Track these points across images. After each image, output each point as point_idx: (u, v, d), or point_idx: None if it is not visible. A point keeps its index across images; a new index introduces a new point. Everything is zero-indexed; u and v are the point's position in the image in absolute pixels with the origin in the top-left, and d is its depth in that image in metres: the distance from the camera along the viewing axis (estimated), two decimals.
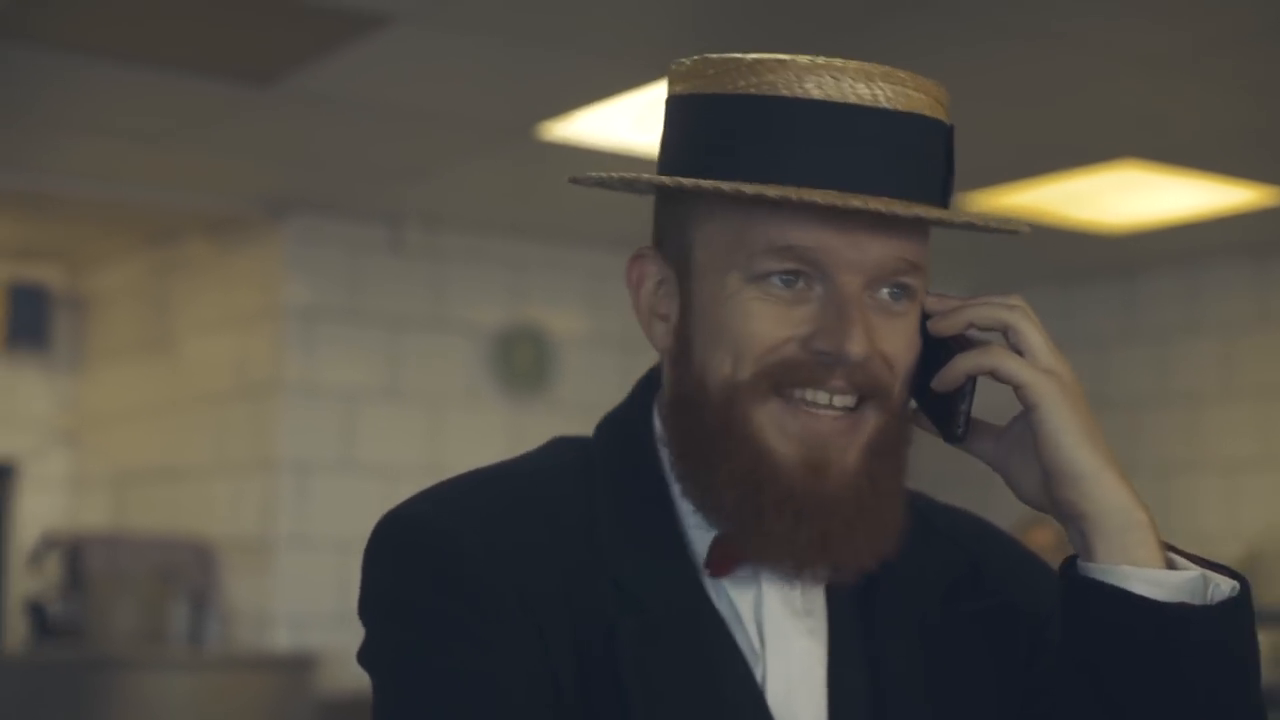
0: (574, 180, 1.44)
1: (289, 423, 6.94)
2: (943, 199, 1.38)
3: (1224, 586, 1.32)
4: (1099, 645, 1.32)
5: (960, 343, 1.38)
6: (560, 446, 1.48)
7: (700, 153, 1.36)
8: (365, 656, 1.39)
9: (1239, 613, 1.32)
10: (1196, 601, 1.30)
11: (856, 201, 1.28)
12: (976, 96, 5.17)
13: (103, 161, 6.41)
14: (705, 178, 1.34)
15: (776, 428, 1.33)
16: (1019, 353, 1.36)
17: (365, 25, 4.60)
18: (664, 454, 1.42)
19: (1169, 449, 7.67)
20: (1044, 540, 6.47)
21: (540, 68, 4.97)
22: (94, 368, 8.60)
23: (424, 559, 1.35)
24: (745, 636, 1.38)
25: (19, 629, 7.96)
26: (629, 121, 5.34)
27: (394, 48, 4.78)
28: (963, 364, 1.37)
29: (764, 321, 1.33)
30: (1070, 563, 1.35)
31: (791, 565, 1.34)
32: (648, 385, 1.47)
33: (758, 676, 1.37)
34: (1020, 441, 1.39)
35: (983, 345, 1.38)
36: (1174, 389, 7.71)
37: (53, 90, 5.44)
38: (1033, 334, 1.37)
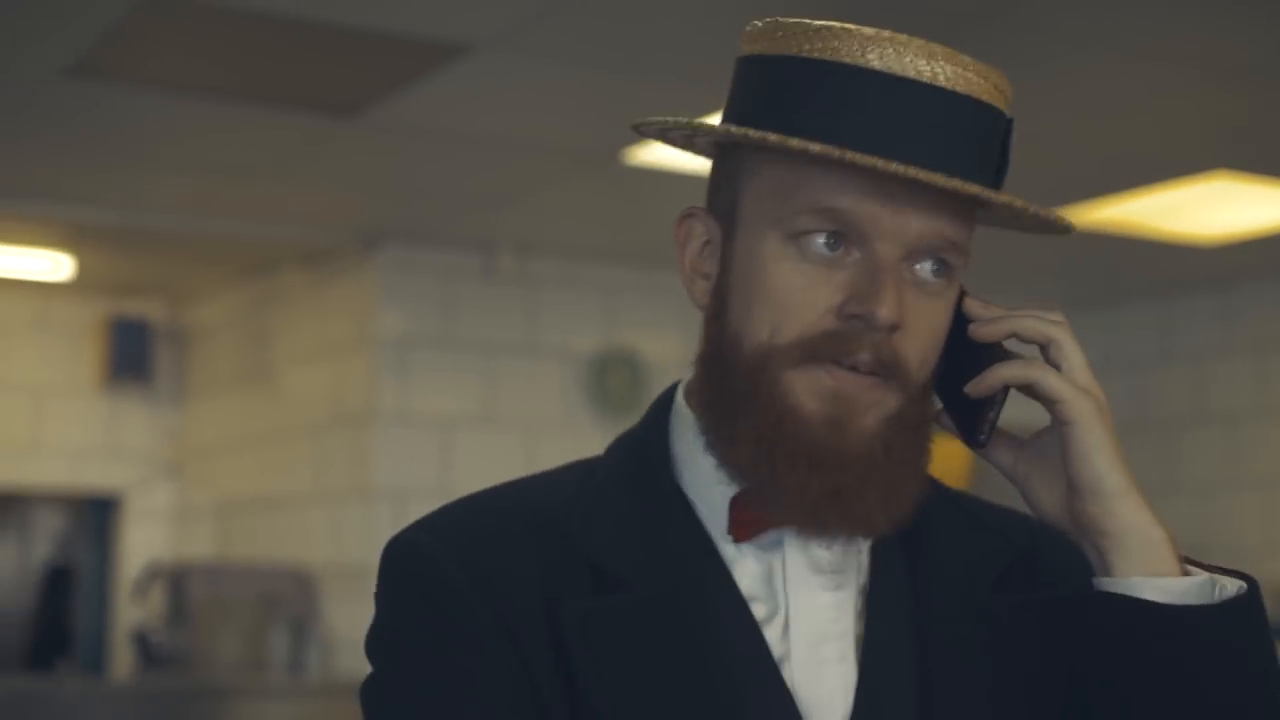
0: (636, 127, 1.47)
1: (385, 451, 6.99)
2: (994, 185, 1.37)
3: (1230, 587, 1.33)
4: (1114, 656, 1.33)
5: (997, 351, 1.39)
6: (577, 461, 1.51)
7: (759, 109, 1.37)
8: (363, 689, 1.41)
9: (1247, 611, 1.33)
10: (1206, 603, 1.32)
11: (896, 166, 1.28)
12: (1065, 110, 5.14)
13: (198, 196, 6.51)
14: (762, 129, 1.35)
15: (805, 388, 1.34)
16: (1057, 368, 1.37)
17: (446, 55, 4.65)
18: (677, 443, 1.44)
19: (1270, 462, 7.57)
20: None
21: (621, 93, 4.99)
22: (195, 400, 8.71)
23: (412, 590, 1.38)
24: (770, 596, 1.39)
25: (125, 658, 8.07)
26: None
27: (476, 76, 4.82)
28: (1002, 372, 1.37)
29: (801, 289, 1.34)
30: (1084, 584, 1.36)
31: (803, 515, 1.34)
32: (663, 400, 1.49)
33: (776, 636, 1.38)
34: (1043, 455, 1.40)
35: (1022, 357, 1.38)
36: (1274, 402, 7.60)
37: (146, 128, 5.53)
38: (1074, 352, 1.37)
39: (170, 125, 5.47)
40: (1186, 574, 1.34)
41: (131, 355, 8.55)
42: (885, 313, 1.31)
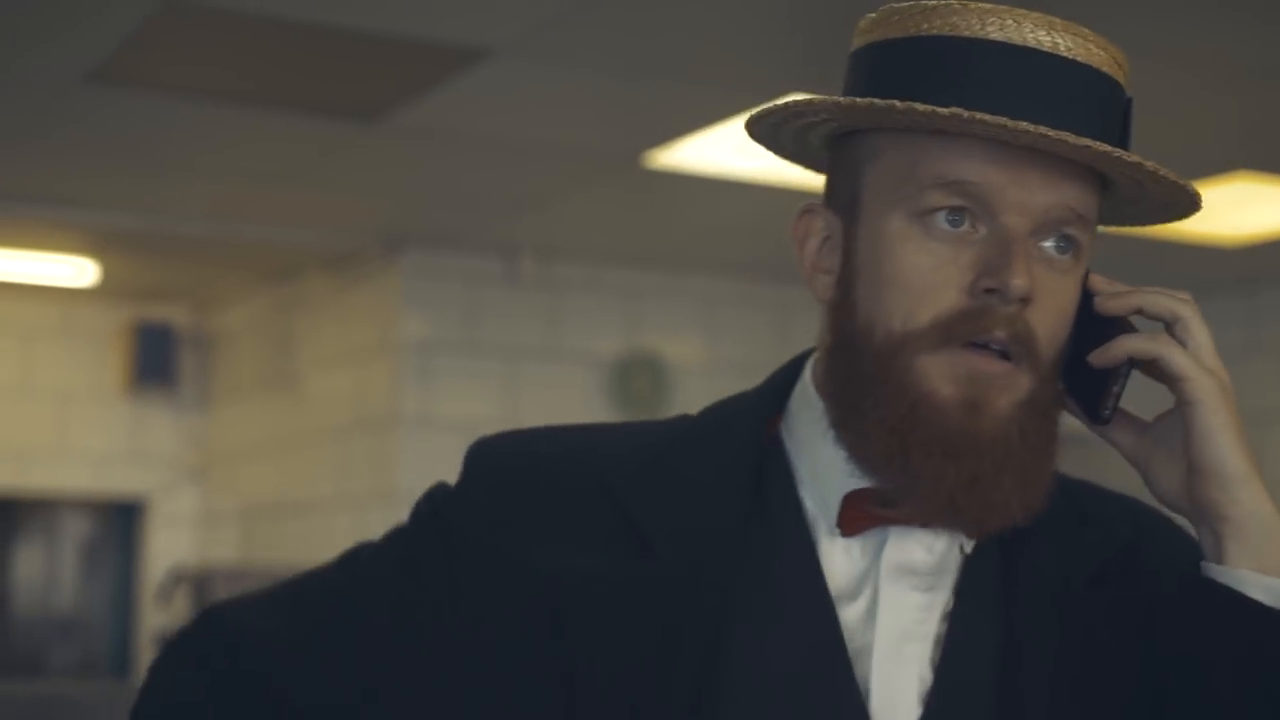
0: (748, 127, 1.44)
1: (408, 455, 6.99)
2: None
3: None
4: (1205, 647, 1.31)
5: (1122, 326, 1.36)
6: (679, 416, 1.51)
7: (879, 91, 1.35)
8: None
9: None
10: None
11: (1024, 125, 1.27)
12: None
13: (221, 202, 6.52)
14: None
15: (940, 373, 1.31)
16: (1183, 346, 1.34)
17: (466, 60, 4.65)
18: (798, 425, 1.42)
19: None
20: None
21: (642, 96, 4.99)
22: (220, 404, 8.73)
23: (458, 488, 1.46)
24: (860, 590, 1.37)
25: (149, 662, 8.09)
26: (733, 148, 5.33)
27: (496, 81, 4.82)
28: (1128, 344, 1.34)
29: (931, 269, 1.32)
30: (1194, 566, 1.34)
31: (939, 507, 1.32)
32: (786, 375, 1.47)
33: (858, 629, 1.36)
34: (1166, 437, 1.37)
35: (1149, 332, 1.35)
36: None
37: (169, 133, 5.55)
38: (1200, 330, 1.34)
39: (192, 131, 5.48)
40: None
41: (156, 360, 8.58)
42: (1019, 283, 1.29)
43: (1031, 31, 1.32)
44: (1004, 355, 1.31)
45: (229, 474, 8.60)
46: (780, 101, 1.39)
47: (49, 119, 5.37)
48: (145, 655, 8.41)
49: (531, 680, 1.35)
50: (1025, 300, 1.30)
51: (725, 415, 1.46)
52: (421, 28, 4.43)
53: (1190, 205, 1.38)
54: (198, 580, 7.56)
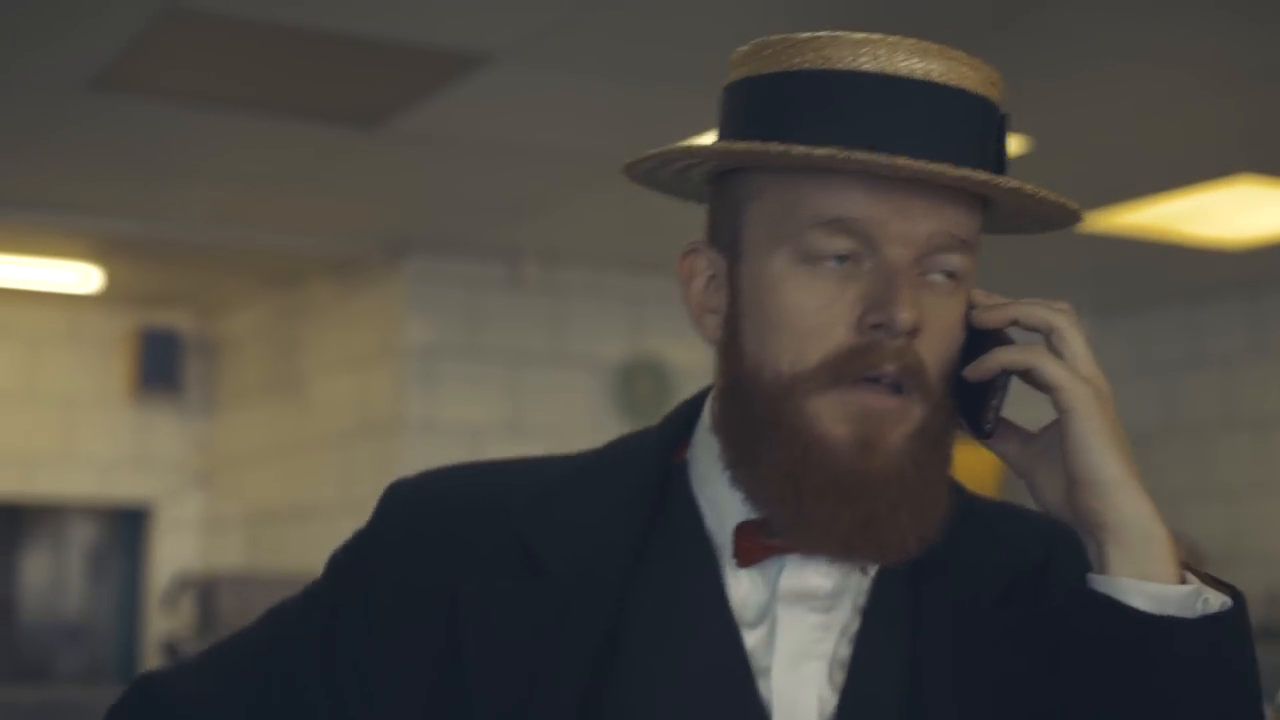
0: (626, 171, 1.45)
1: (412, 460, 6.99)
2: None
3: (1214, 601, 1.29)
4: (1092, 660, 1.30)
5: (1000, 339, 1.36)
6: (585, 451, 1.53)
7: (754, 129, 1.35)
8: None
9: (1228, 628, 1.29)
10: (1186, 615, 1.28)
11: (902, 160, 1.27)
12: (1086, 116, 5.13)
13: (225, 207, 6.54)
14: (760, 140, 1.34)
15: (832, 414, 1.32)
16: (1059, 356, 1.34)
17: (466, 65, 4.66)
18: (700, 456, 1.43)
19: None
20: None
21: (642, 101, 5.00)
22: (225, 410, 8.74)
23: (369, 525, 1.52)
24: (760, 614, 1.39)
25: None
26: None
27: (496, 86, 4.84)
28: (1002, 356, 1.34)
29: (817, 309, 1.32)
30: (1079, 578, 1.33)
31: (834, 549, 1.34)
32: (690, 408, 1.49)
33: (760, 650, 1.38)
34: (1049, 448, 1.36)
35: (1024, 344, 1.36)
36: None
37: (172, 140, 5.56)
38: (1076, 340, 1.34)
39: (195, 137, 5.50)
40: (1183, 579, 1.30)
41: (161, 366, 8.59)
42: (906, 316, 1.29)
43: (904, 60, 1.32)
44: (896, 388, 1.31)
45: (234, 479, 8.61)
46: (657, 151, 1.39)
47: (52, 125, 5.39)
48: (151, 661, 8.42)
49: (437, 701, 1.39)
50: (914, 332, 1.30)
51: (627, 448, 1.48)
52: (422, 33, 4.44)
53: (1070, 218, 1.39)
54: (203, 586, 7.57)
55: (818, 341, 1.32)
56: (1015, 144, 5.33)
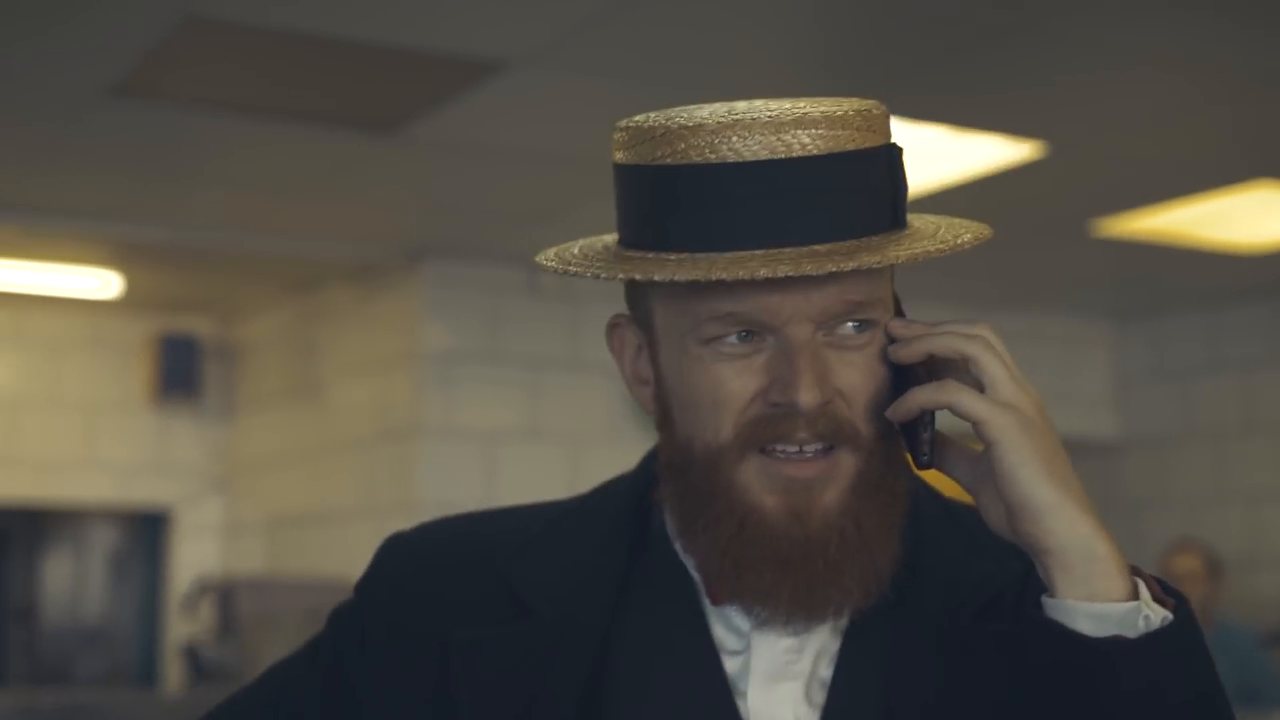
0: (537, 261, 1.48)
1: (430, 465, 7.02)
2: (894, 221, 1.36)
3: (1155, 618, 1.28)
4: (1043, 686, 1.30)
5: (927, 369, 1.36)
6: (573, 497, 1.58)
7: (638, 224, 1.38)
8: None
9: (1168, 643, 1.28)
10: (1128, 634, 1.27)
11: (765, 271, 1.26)
12: (1104, 120, 5.12)
13: (244, 213, 6.56)
14: (644, 249, 1.36)
15: (760, 483, 1.34)
16: (979, 384, 1.34)
17: (483, 71, 4.67)
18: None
19: None
20: (1191, 565, 6.38)
21: (658, 107, 4.98)
22: (243, 415, 8.77)
23: (365, 576, 1.56)
24: (737, 638, 1.42)
25: (176, 672, 8.13)
26: None
27: (515, 92, 4.85)
28: (917, 397, 1.34)
29: (727, 380, 1.34)
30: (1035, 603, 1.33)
31: (780, 615, 1.36)
32: (655, 455, 1.51)
33: (736, 673, 1.41)
34: (987, 473, 1.35)
35: (940, 378, 1.35)
36: None
37: (191, 146, 5.58)
38: (993, 365, 1.33)
39: (214, 144, 5.52)
40: (1135, 591, 1.30)
41: (181, 371, 8.62)
42: (806, 398, 1.31)
43: (763, 140, 1.30)
44: (821, 451, 1.33)
45: (253, 484, 8.63)
46: (557, 264, 1.43)
47: (73, 133, 5.41)
48: (172, 665, 8.45)
49: None
50: (822, 406, 1.32)
51: (606, 493, 1.54)
52: (440, 40, 4.46)
53: (973, 241, 1.37)
54: (222, 590, 7.59)
55: (729, 413, 1.34)
56: (1033, 149, 5.33)
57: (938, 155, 5.35)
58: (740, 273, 1.27)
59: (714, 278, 1.28)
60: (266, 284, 8.11)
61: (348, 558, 7.53)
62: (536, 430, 7.22)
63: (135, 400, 8.70)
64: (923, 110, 4.86)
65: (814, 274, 1.27)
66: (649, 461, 1.52)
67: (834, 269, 1.27)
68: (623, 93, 4.89)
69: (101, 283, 7.85)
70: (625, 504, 1.50)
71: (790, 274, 1.27)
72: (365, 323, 7.61)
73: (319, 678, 1.54)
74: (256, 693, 1.59)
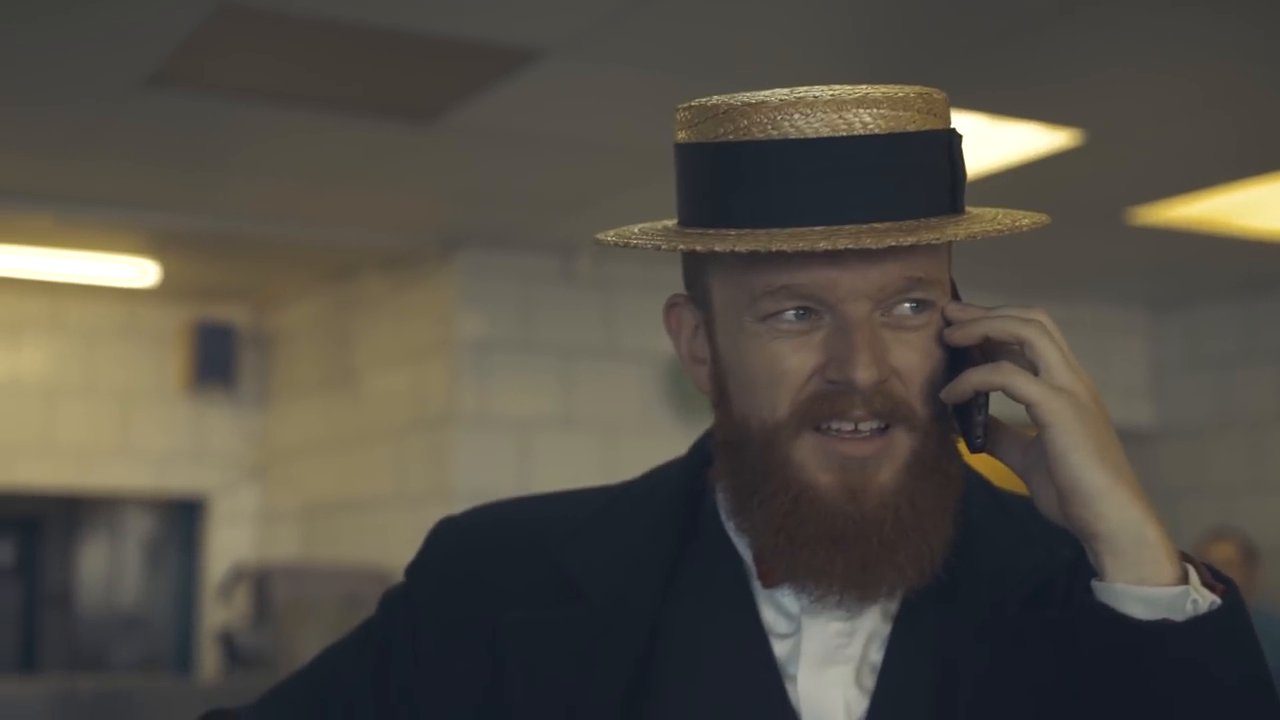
0: (597, 240, 1.48)
1: (465, 453, 7.04)
2: (952, 206, 1.37)
3: (1203, 602, 1.29)
4: (1095, 671, 1.31)
5: (982, 352, 1.37)
6: (622, 482, 1.59)
7: (698, 201, 1.39)
8: None
9: (1217, 627, 1.29)
10: (1177, 618, 1.28)
11: (824, 243, 1.28)
12: (1143, 108, 5.11)
13: (280, 202, 6.58)
14: (704, 226, 1.37)
15: (815, 461, 1.35)
16: (1034, 368, 1.34)
17: (519, 60, 4.68)
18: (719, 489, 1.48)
19: None
20: (1227, 554, 6.37)
21: (696, 94, 4.98)
22: (279, 403, 8.80)
23: (415, 560, 1.58)
24: (788, 622, 1.43)
25: (212, 659, 8.17)
26: None
27: (551, 80, 4.86)
28: (972, 379, 1.35)
29: (785, 358, 1.35)
30: (1085, 588, 1.33)
31: (834, 594, 1.37)
32: (705, 445, 1.52)
33: (786, 656, 1.42)
34: (1040, 457, 1.36)
35: (995, 361, 1.36)
36: None
37: (227, 134, 5.61)
38: (1048, 350, 1.34)
39: (250, 132, 5.54)
40: (1185, 576, 1.30)
41: (216, 360, 8.65)
42: (863, 375, 1.32)
43: (825, 118, 1.31)
44: (876, 430, 1.34)
45: (288, 472, 8.66)
46: (617, 240, 1.44)
47: (110, 122, 5.44)
48: (207, 652, 8.49)
49: None
50: (878, 384, 1.33)
51: (657, 477, 1.55)
52: (477, 28, 4.47)
53: (1031, 225, 1.38)
54: (258, 577, 7.62)
55: (786, 390, 1.35)
56: (1069, 137, 5.32)
57: (975, 143, 5.34)
58: (801, 244, 1.29)
59: (774, 249, 1.29)
60: (302, 272, 8.13)
61: (382, 545, 7.56)
62: (571, 418, 7.23)
63: (171, 388, 8.74)
64: (960, 98, 4.85)
65: (873, 247, 1.29)
66: (701, 445, 1.53)
67: (893, 243, 1.28)
68: (658, 81, 4.89)
69: (138, 271, 7.88)
70: (677, 488, 1.51)
71: (850, 246, 1.28)
72: (400, 311, 7.63)
73: (370, 662, 1.55)
74: (309, 677, 1.61)
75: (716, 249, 1.32)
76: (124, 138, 5.66)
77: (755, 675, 1.41)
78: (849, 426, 1.34)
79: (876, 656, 1.42)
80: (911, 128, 1.34)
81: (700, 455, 1.52)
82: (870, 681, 1.41)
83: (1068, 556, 1.42)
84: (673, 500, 1.50)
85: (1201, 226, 6.55)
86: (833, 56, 4.68)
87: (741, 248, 1.30)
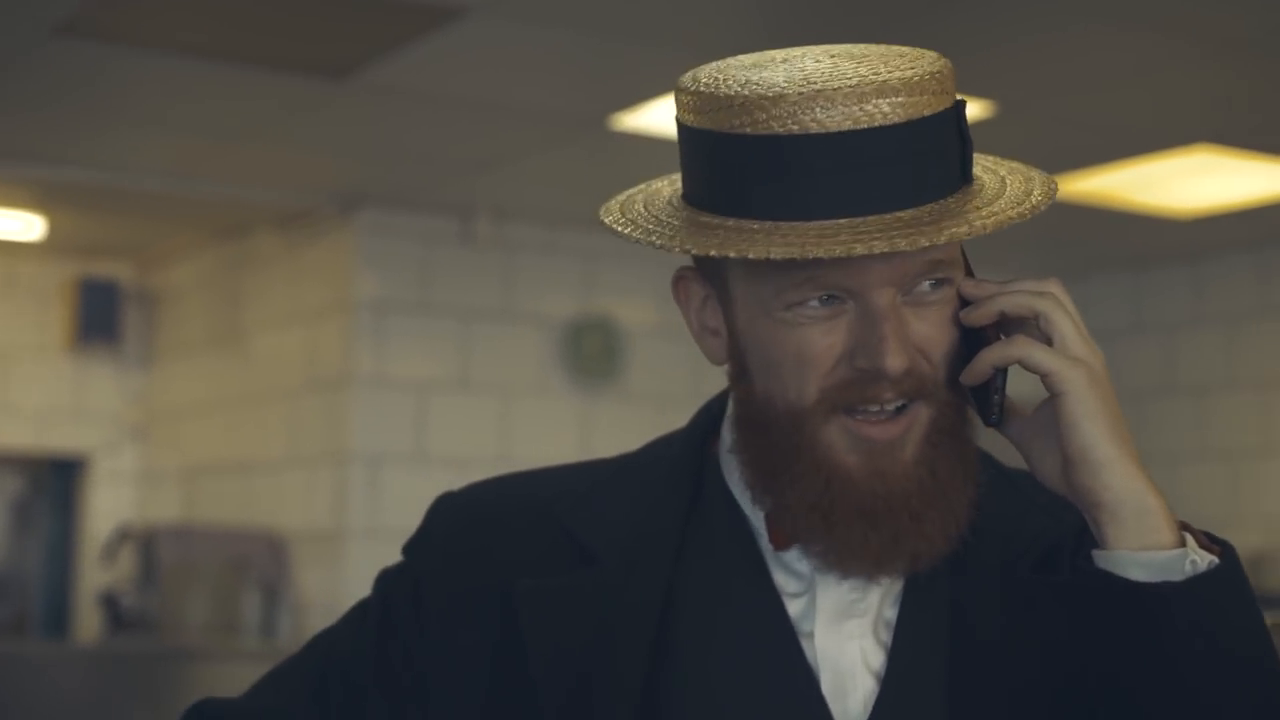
0: (602, 217, 1.47)
1: (360, 415, 6.98)
2: (963, 178, 1.39)
3: (1202, 562, 1.33)
4: (1101, 633, 1.34)
5: (990, 332, 1.39)
6: (622, 454, 1.61)
7: (714, 187, 1.37)
8: None
9: (1217, 585, 1.32)
10: (1176, 578, 1.31)
11: (860, 248, 1.28)
12: (1049, 81, 5.16)
13: (176, 157, 6.47)
14: (721, 214, 1.36)
15: (843, 443, 1.37)
16: (1049, 339, 1.36)
17: (442, 17, 4.63)
18: (725, 458, 1.49)
19: (1238, 434, 7.65)
20: None
21: (612, 59, 4.99)
22: (164, 362, 8.67)
23: (416, 535, 1.58)
24: (799, 581, 1.45)
25: (92, 621, 8.04)
26: None
27: (469, 40, 4.81)
28: (989, 356, 1.37)
29: (812, 344, 1.36)
30: (1086, 556, 1.36)
31: (868, 567, 1.39)
32: (711, 414, 1.54)
33: (800, 613, 1.44)
34: (1044, 427, 1.39)
35: (1010, 336, 1.38)
36: (1242, 374, 7.68)
37: (128, 87, 5.50)
38: (1063, 322, 1.36)
39: (159, 86, 5.44)
40: (1182, 541, 1.34)
41: (100, 317, 8.50)
42: (893, 363, 1.33)
43: (846, 111, 1.31)
44: (899, 409, 1.36)
45: (172, 432, 8.55)
46: (631, 231, 1.41)
47: (15, 72, 5.31)
48: (85, 614, 8.36)
49: (496, 696, 1.46)
50: (908, 368, 1.35)
51: (662, 445, 1.56)
52: None
53: (1045, 200, 1.40)
54: (143, 538, 7.52)
55: (814, 375, 1.37)
56: (979, 108, 5.36)
57: None
58: (837, 250, 1.29)
59: (809, 255, 1.29)
60: (192, 230, 8.01)
61: (273, 507, 7.49)
62: (468, 381, 7.21)
63: (53, 346, 8.58)
64: None
65: (908, 250, 1.30)
66: (703, 416, 1.55)
67: (926, 244, 1.30)
68: (577, 44, 4.87)
69: (24, 225, 7.72)
70: (683, 457, 1.52)
71: (885, 250, 1.29)
72: (294, 271, 7.54)
73: (370, 641, 1.54)
74: (303, 659, 1.60)
75: (751, 255, 1.30)
76: (24, 89, 5.53)
77: (771, 633, 1.43)
78: (875, 408, 1.36)
79: (890, 613, 1.44)
80: (927, 111, 1.34)
81: (702, 427, 1.54)
82: (886, 636, 1.44)
83: (1073, 521, 1.44)
84: (678, 468, 1.51)
85: (1095, 201, 6.64)
86: (743, 21, 4.68)
87: (776, 254, 1.29)
